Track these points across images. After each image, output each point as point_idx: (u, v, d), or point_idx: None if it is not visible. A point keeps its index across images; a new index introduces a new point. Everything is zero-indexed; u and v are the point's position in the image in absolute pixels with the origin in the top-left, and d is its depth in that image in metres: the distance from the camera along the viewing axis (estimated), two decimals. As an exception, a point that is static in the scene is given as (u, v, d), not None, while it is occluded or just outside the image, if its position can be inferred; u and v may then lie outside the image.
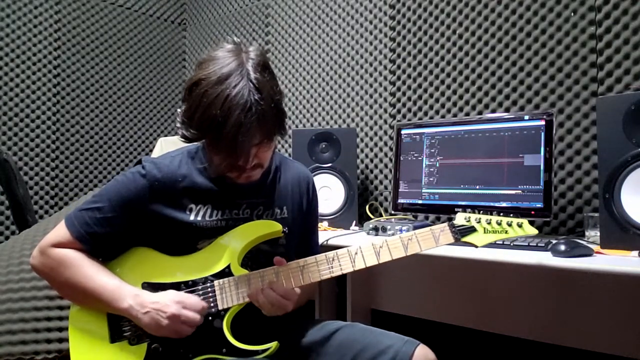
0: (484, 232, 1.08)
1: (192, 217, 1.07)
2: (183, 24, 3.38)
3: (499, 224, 1.08)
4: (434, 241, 1.06)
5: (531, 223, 1.09)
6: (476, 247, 1.08)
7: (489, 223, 1.08)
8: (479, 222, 1.08)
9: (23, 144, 2.62)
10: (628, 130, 1.23)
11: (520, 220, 1.08)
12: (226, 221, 1.09)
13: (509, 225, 1.08)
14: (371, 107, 2.28)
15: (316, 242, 1.32)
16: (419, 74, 2.11)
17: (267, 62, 1.02)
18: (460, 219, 1.10)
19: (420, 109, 2.11)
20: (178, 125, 1.05)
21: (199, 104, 0.95)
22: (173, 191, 1.07)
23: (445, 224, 1.08)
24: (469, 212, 1.10)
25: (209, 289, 1.05)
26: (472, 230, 1.08)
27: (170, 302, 0.99)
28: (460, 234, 1.07)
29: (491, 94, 1.90)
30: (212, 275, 1.06)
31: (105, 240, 1.06)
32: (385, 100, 2.23)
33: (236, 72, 0.96)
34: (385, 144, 2.22)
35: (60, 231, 1.06)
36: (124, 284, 1.04)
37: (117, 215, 1.05)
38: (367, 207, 2.12)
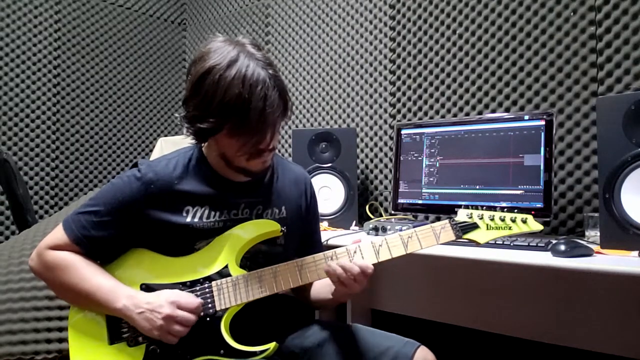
0: (487, 229, 1.04)
1: (188, 219, 1.07)
2: (183, 24, 3.38)
3: (503, 219, 1.04)
4: (435, 239, 1.03)
5: (533, 222, 1.07)
6: (479, 244, 1.05)
7: (492, 219, 1.04)
8: (481, 218, 1.05)
9: (23, 144, 2.62)
10: (628, 130, 1.23)
11: (524, 216, 1.05)
12: (224, 222, 1.09)
13: (513, 221, 1.04)
14: (371, 107, 2.28)
15: (319, 242, 1.31)
16: (419, 74, 2.11)
17: (260, 44, 1.06)
18: (462, 215, 1.06)
19: (420, 109, 2.11)
20: (187, 124, 1.03)
21: (215, 90, 0.97)
22: (169, 194, 1.07)
23: (446, 221, 1.05)
24: (472, 209, 1.07)
25: (207, 290, 1.04)
26: (474, 226, 1.04)
27: (164, 303, 0.98)
28: (462, 230, 1.04)
29: (491, 94, 1.90)
30: (210, 276, 1.05)
31: (102, 243, 1.06)
32: (385, 100, 2.23)
33: (242, 55, 0.99)
34: (385, 144, 2.22)
35: (57, 234, 1.06)
36: (119, 285, 1.03)
37: (113, 218, 1.05)
38: (367, 207, 2.12)
